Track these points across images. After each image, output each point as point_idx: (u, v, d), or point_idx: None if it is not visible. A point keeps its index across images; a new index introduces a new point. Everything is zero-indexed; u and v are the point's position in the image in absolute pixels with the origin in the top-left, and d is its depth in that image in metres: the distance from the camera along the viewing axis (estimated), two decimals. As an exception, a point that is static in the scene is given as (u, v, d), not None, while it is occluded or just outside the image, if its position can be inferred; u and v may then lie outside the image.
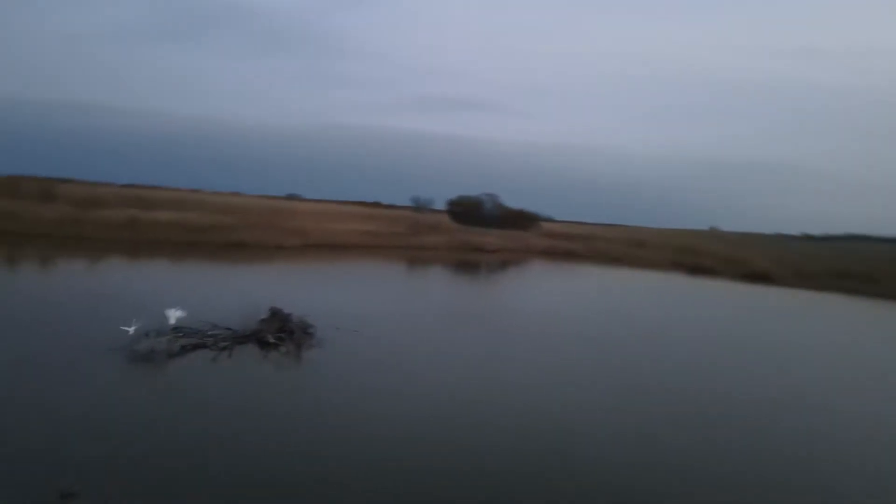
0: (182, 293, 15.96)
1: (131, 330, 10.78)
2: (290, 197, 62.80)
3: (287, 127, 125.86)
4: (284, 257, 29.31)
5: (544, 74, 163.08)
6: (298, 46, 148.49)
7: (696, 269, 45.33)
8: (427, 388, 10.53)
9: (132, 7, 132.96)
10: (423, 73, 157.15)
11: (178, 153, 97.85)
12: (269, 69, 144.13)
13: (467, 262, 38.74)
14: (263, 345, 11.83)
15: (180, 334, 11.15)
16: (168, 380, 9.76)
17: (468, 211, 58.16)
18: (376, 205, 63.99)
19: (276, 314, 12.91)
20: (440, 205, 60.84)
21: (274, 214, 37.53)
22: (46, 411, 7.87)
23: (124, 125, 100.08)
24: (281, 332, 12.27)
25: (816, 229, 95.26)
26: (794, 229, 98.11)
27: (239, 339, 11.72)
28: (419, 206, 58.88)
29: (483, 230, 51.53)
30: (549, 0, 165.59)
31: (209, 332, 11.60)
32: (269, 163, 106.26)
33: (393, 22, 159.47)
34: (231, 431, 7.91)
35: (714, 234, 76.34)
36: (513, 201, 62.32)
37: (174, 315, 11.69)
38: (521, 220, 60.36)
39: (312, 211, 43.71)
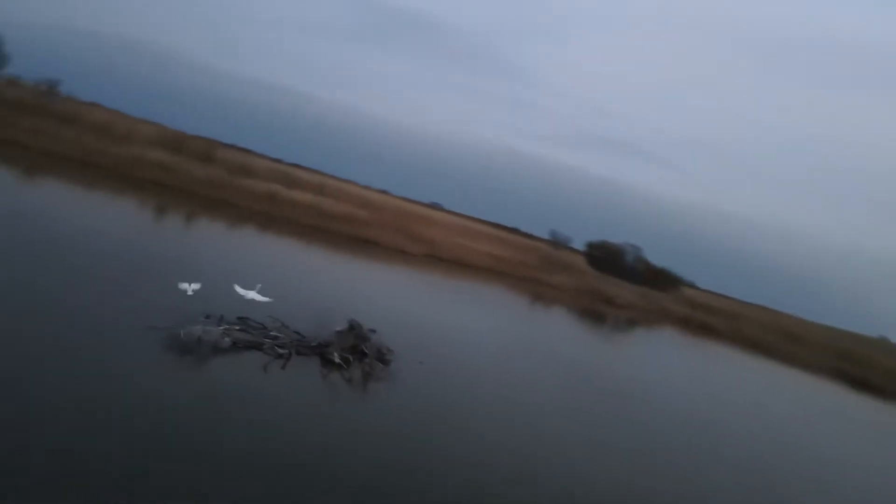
0: (282, 277, 15.01)
1: (190, 290, 9.68)
2: (432, 205, 62.94)
3: (446, 137, 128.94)
4: (403, 262, 28.17)
5: (714, 134, 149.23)
6: (472, 63, 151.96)
7: (859, 383, 37.15)
8: (508, 472, 7.90)
9: (330, 4, 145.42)
10: (585, 110, 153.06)
11: (343, 142, 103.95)
12: (441, 80, 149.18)
13: (592, 312, 34.92)
14: (326, 362, 10.01)
15: (238, 327, 9.70)
16: (197, 382, 8.22)
17: (607, 258, 53.77)
18: (513, 231, 61.82)
19: (353, 329, 11.04)
20: (578, 245, 57.31)
21: (408, 218, 36.92)
22: (35, 385, 6.60)
23: (301, 108, 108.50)
24: (351, 353, 10.38)
25: None
26: None
27: (302, 348, 10.02)
28: (556, 242, 55.78)
29: (618, 281, 47.12)
30: (733, 60, 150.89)
31: (272, 332, 10.05)
32: (421, 168, 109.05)
33: (566, 56, 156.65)
34: (249, 462, 6.15)
35: (886, 346, 63.58)
36: (654, 257, 56.75)
37: (249, 294, 10.61)
38: (661, 279, 54.41)
39: (447, 222, 42.68)
